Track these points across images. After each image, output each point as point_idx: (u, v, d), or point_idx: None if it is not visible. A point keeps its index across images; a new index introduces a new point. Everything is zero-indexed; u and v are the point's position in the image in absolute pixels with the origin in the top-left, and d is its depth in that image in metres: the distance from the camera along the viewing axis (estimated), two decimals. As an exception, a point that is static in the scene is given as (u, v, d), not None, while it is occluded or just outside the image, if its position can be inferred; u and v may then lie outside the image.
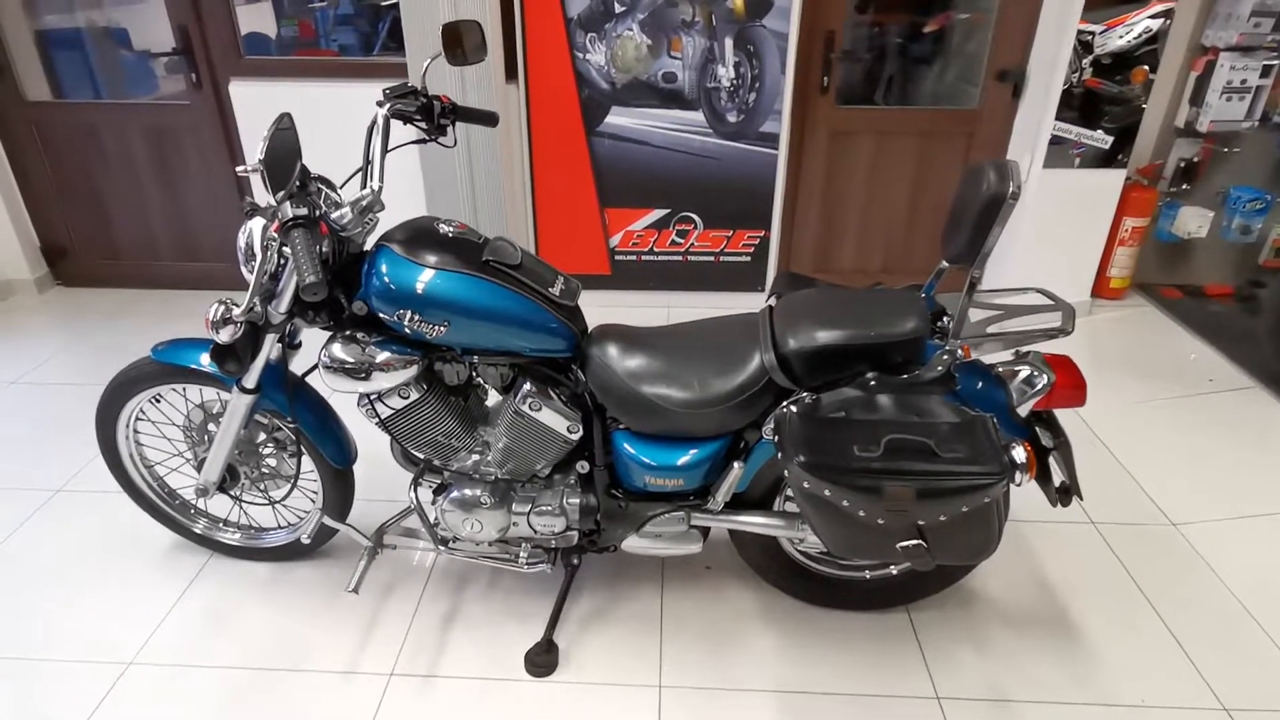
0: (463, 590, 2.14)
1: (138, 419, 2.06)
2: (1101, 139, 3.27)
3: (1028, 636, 2.02)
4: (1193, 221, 3.60)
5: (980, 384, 1.70)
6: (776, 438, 1.57)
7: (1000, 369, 1.72)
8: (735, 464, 1.75)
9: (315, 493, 2.08)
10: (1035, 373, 1.67)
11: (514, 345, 1.71)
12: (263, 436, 2.04)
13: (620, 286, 3.81)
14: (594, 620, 2.05)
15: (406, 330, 1.66)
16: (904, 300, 1.68)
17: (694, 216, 3.65)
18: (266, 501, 2.09)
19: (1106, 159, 3.32)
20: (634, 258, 3.75)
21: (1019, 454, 1.48)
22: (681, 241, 3.71)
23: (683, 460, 1.76)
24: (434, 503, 1.92)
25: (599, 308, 3.80)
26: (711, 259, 3.75)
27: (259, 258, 1.59)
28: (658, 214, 3.65)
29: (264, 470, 2.06)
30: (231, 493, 2.04)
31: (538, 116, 3.46)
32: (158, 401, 2.03)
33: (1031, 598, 2.14)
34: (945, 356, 1.60)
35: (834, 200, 3.72)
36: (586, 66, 3.33)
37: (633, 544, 1.92)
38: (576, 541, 1.95)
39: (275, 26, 3.73)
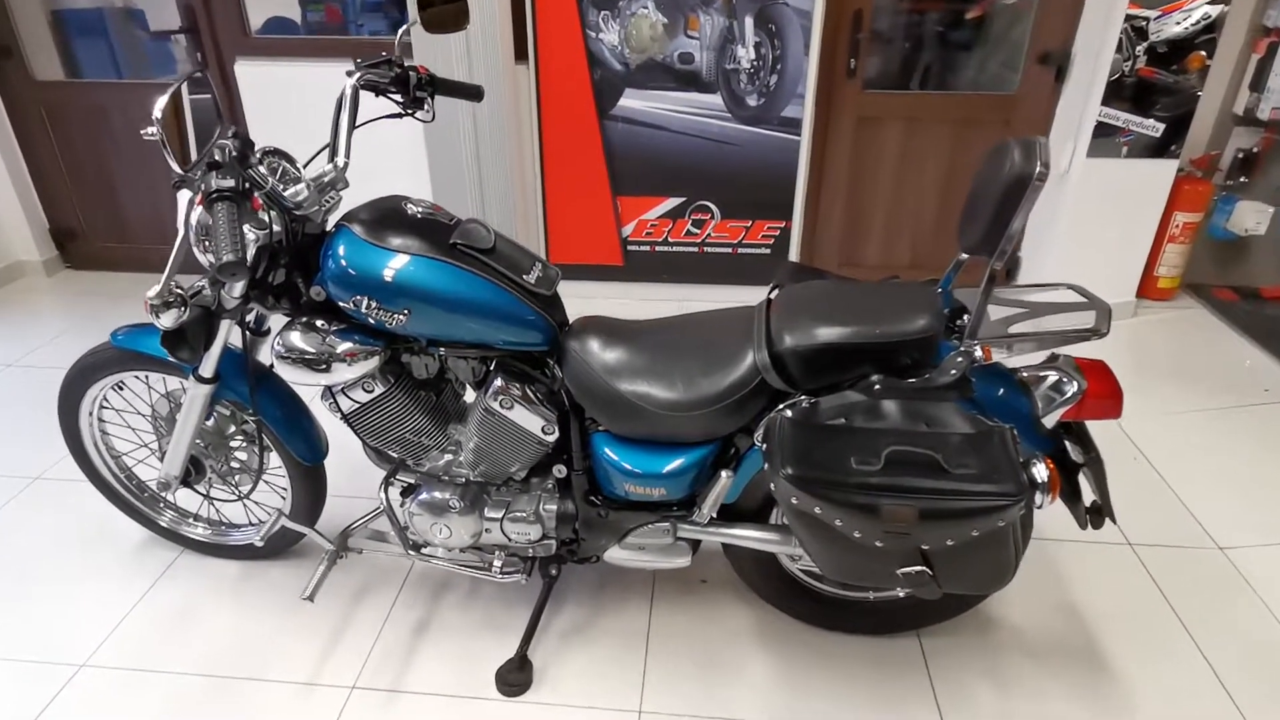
0: (440, 597, 2.01)
1: (102, 406, 1.96)
2: (1153, 127, 3.02)
3: (1051, 669, 1.82)
4: (1251, 217, 3.32)
5: (1001, 391, 1.51)
6: (765, 445, 1.40)
7: (1024, 374, 1.53)
8: (723, 473, 1.59)
9: (286, 489, 1.97)
10: (1064, 379, 1.48)
11: (483, 337, 1.56)
12: (232, 429, 1.93)
13: (633, 278, 3.66)
14: (574, 636, 1.90)
15: (367, 319, 1.52)
16: (916, 295, 1.50)
17: (711, 205, 3.47)
18: (236, 496, 1.98)
19: (1157, 149, 3.07)
20: (647, 248, 3.59)
21: (1040, 472, 1.29)
22: (698, 232, 3.54)
23: (667, 468, 1.60)
24: (403, 505, 1.79)
25: (610, 300, 3.65)
26: (729, 250, 3.57)
27: (179, 234, 1.46)
28: (673, 203, 3.48)
29: (233, 464, 1.95)
30: (197, 487, 1.93)
31: (548, 99, 3.31)
32: (121, 389, 1.93)
33: (1057, 625, 1.94)
34: (960, 359, 1.41)
35: (860, 191, 3.51)
36: (599, 46, 3.18)
37: (615, 555, 1.77)
38: (555, 551, 1.81)
39: (300, 11, 3.63)
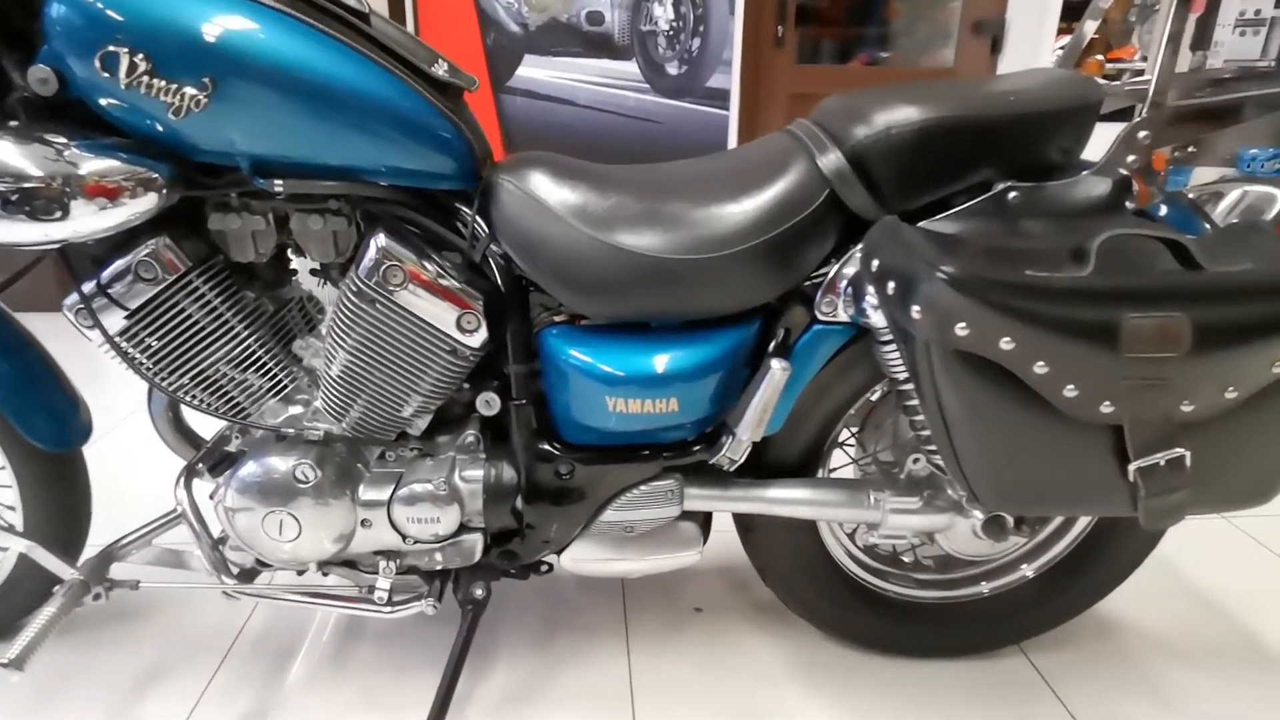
0: (286, 661, 1.22)
1: None
2: (1098, 96, 2.80)
3: (1210, 670, 1.26)
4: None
5: (1167, 211, 1.00)
6: (871, 264, 0.80)
7: (1192, 194, 1.03)
8: (774, 363, 0.95)
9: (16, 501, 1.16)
10: (1264, 194, 0.99)
11: (354, 158, 0.91)
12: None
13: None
14: (512, 706, 1.17)
15: (134, 112, 0.84)
16: (1054, 71, 0.99)
17: (629, 198, 2.96)
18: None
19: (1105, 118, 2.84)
20: (556, 252, 3.01)
21: (1358, 260, 0.76)
22: (614, 231, 3.00)
23: (679, 362, 0.96)
24: (214, 497, 1.04)
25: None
26: (652, 253, 3.04)
27: None
28: (584, 195, 2.94)
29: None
30: None
31: (430, 70, 2.74)
32: None
33: (1193, 619, 1.39)
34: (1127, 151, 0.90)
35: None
36: (492, 3, 2.67)
37: (582, 554, 1.09)
38: (481, 556, 1.09)
39: None
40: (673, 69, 2.77)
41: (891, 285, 0.75)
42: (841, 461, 1.22)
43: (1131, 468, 0.75)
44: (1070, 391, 0.72)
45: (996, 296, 0.69)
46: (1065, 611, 1.23)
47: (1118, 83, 1.03)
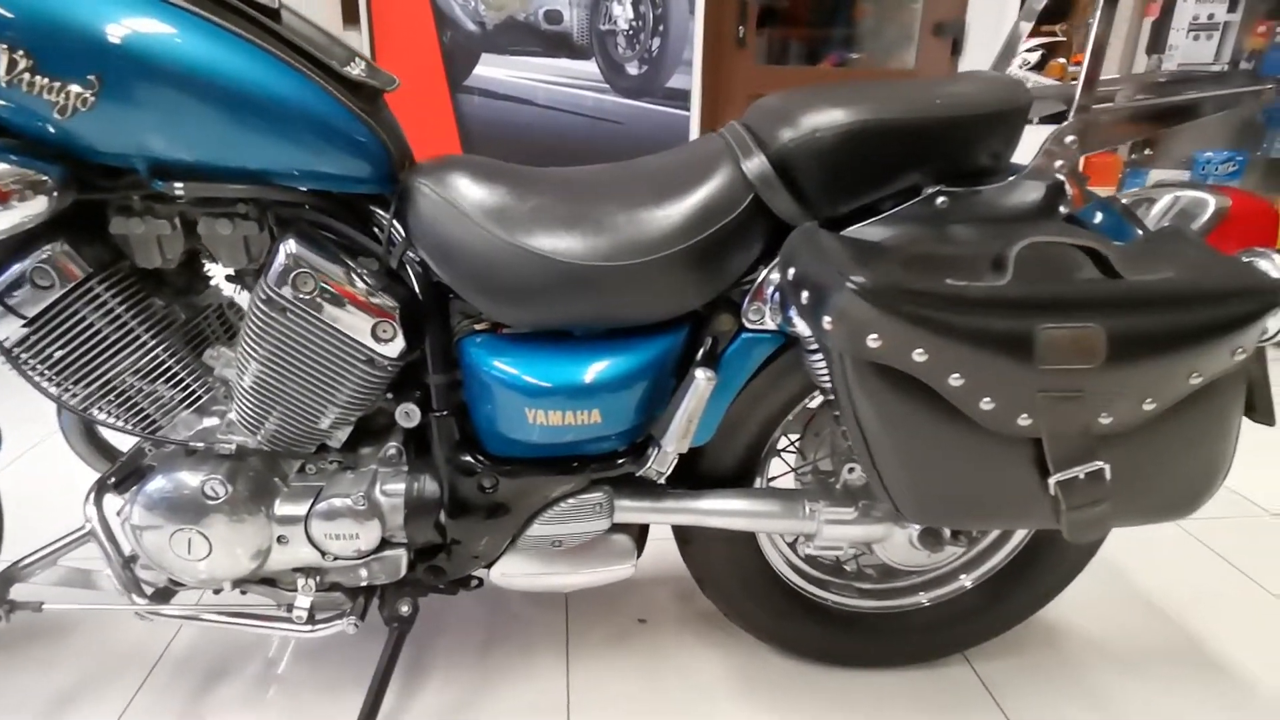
0: (229, 665, 1.18)
1: None
2: (1057, 97, 2.81)
3: (1152, 675, 1.26)
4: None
5: (1100, 218, 0.99)
6: (787, 273, 0.78)
7: (1125, 199, 1.02)
8: (699, 372, 0.92)
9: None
10: (1195, 199, 0.98)
11: (261, 161, 0.87)
12: None
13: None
14: (445, 723, 1.13)
15: (22, 112, 0.80)
16: (984, 74, 0.97)
17: (590, 199, 2.93)
18: None
19: (1062, 120, 2.85)
20: (516, 254, 2.97)
21: (1279, 267, 0.75)
22: (576, 232, 2.96)
23: (603, 371, 0.93)
24: (121, 514, 0.99)
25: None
26: (614, 255, 3.01)
27: None
28: (544, 196, 2.91)
29: None
30: None
31: (387, 68, 2.69)
32: None
33: (1136, 624, 1.39)
34: (1055, 153, 0.88)
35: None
36: (449, 2, 2.63)
37: (510, 568, 1.05)
38: (406, 572, 1.06)
39: None
40: (633, 69, 2.75)
41: (805, 295, 0.73)
42: (782, 470, 1.20)
43: (1051, 481, 0.73)
44: (987, 404, 0.70)
45: (908, 307, 0.67)
46: (1007, 620, 1.22)
47: (1047, 84, 1.02)
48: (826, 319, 0.69)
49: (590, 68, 2.74)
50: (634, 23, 2.70)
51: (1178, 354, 0.68)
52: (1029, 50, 3.15)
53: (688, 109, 2.81)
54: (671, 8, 2.69)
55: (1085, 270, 0.75)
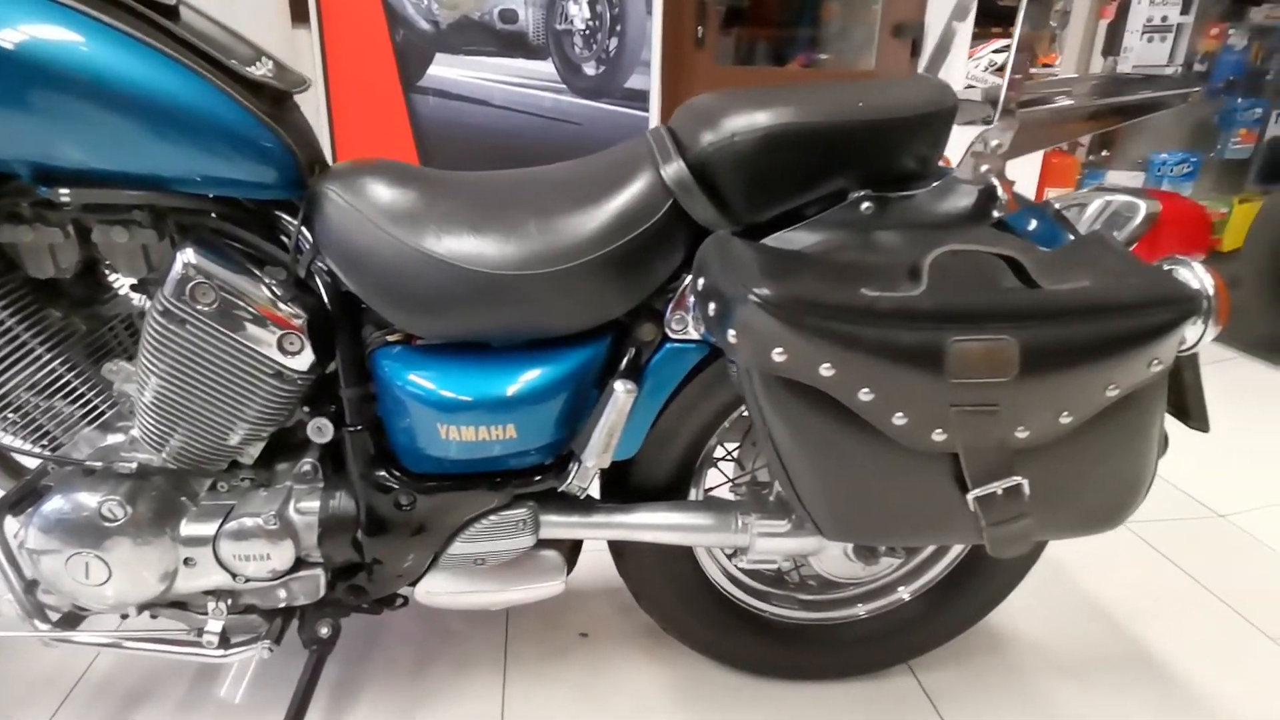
0: (150, 690, 1.13)
1: None
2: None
3: (1099, 682, 1.25)
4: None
5: (1033, 224, 0.97)
6: (697, 284, 0.75)
7: (1059, 205, 1.00)
8: (617, 385, 0.89)
9: None
10: (1126, 202, 0.96)
11: (154, 166, 0.83)
12: None
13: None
14: (370, 748, 1.09)
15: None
16: (911, 77, 0.95)
17: (549, 201, 2.88)
18: None
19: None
20: (474, 257, 2.92)
21: (1197, 275, 0.73)
22: (535, 235, 2.92)
23: (518, 384, 0.90)
24: (17, 537, 0.94)
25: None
26: (574, 257, 2.97)
27: None
28: (502, 198, 2.86)
29: None
30: None
31: (337, 69, 2.64)
32: None
33: (1084, 630, 1.38)
34: (981, 150, 0.86)
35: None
36: (401, 1, 2.58)
37: (435, 587, 1.02)
38: (325, 593, 1.02)
39: None
40: (590, 69, 2.71)
41: (712, 306, 0.70)
42: (718, 481, 1.17)
43: (970, 497, 0.71)
44: (899, 419, 0.68)
45: (813, 320, 0.64)
46: (949, 630, 1.20)
47: (973, 87, 1.00)
48: (731, 332, 0.66)
49: (547, 68, 2.70)
50: (591, 22, 2.66)
51: (1093, 366, 0.66)
52: (995, 51, 3.18)
53: (647, 110, 2.78)
54: (629, 8, 2.65)
55: (1007, 279, 0.73)
